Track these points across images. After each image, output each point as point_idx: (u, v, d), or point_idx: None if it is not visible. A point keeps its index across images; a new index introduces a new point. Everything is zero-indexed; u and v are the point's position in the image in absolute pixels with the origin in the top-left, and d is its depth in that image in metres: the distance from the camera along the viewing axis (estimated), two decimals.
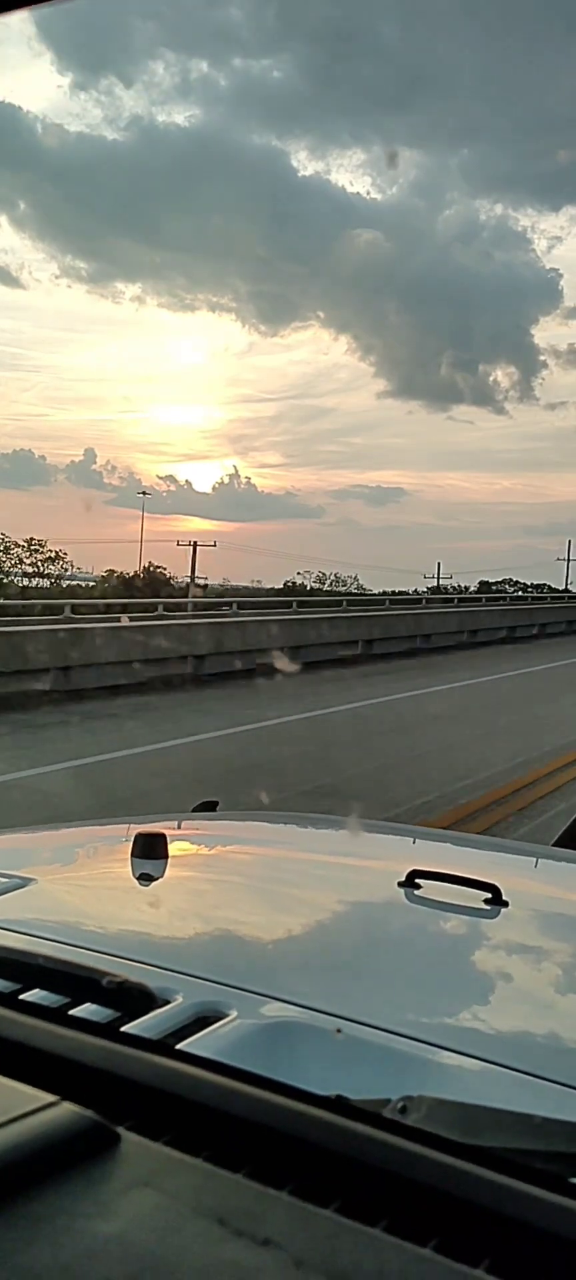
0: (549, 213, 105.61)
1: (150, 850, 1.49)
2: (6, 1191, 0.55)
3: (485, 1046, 0.99)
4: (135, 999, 0.84)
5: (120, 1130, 0.62)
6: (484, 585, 42.31)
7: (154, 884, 1.44)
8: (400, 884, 1.41)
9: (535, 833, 6.55)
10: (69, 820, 5.83)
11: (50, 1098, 0.63)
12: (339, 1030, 0.95)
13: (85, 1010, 0.87)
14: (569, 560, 46.12)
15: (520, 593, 38.90)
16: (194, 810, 2.15)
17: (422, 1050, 0.96)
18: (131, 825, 1.75)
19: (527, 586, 41.14)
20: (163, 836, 1.50)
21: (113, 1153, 0.60)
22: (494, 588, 41.58)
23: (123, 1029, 0.86)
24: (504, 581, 44.23)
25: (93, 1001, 0.85)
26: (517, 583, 43.20)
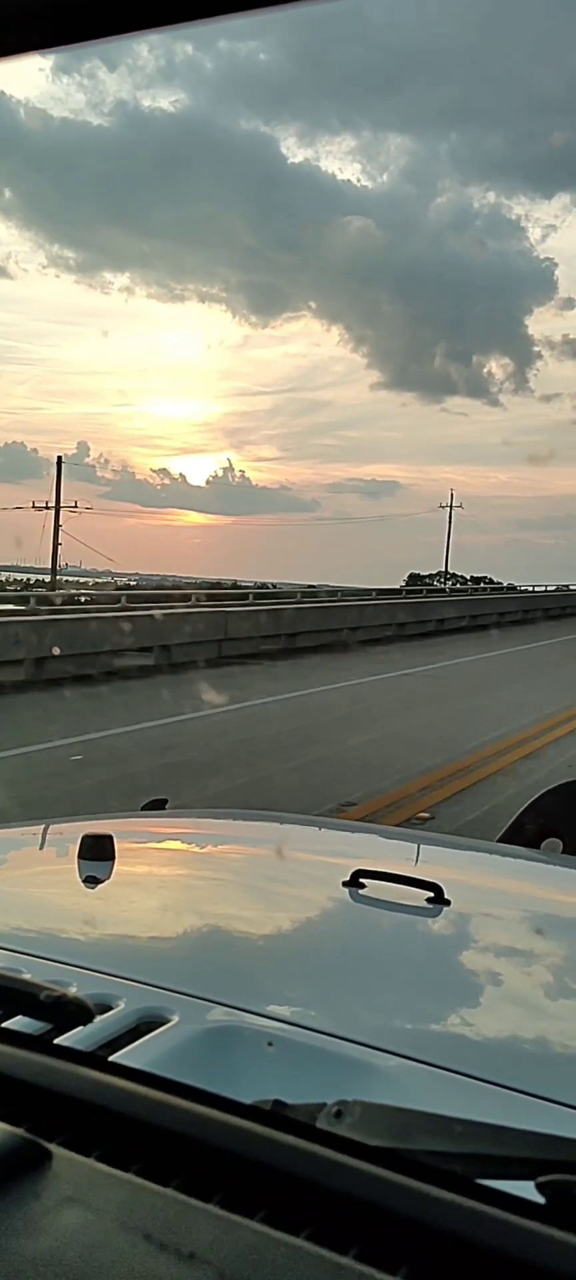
0: (542, 200, 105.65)
1: (97, 851, 1.49)
2: None
3: (422, 1048, 1.01)
4: (74, 1009, 0.84)
5: (52, 1147, 0.63)
6: (413, 578, 42.53)
7: (100, 886, 1.44)
8: (345, 883, 1.43)
9: None
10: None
11: None
12: (270, 1044, 0.96)
13: (20, 1022, 0.88)
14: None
15: (458, 585, 39.23)
16: (143, 808, 2.15)
17: (360, 1053, 0.97)
18: (80, 824, 1.75)
19: (466, 580, 41.37)
20: (109, 838, 1.51)
21: (43, 1170, 0.61)
22: (425, 580, 41.90)
23: (60, 1040, 0.87)
24: (439, 574, 44.65)
25: (30, 1012, 0.86)
26: (455, 575, 43.52)
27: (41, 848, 1.92)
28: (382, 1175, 0.60)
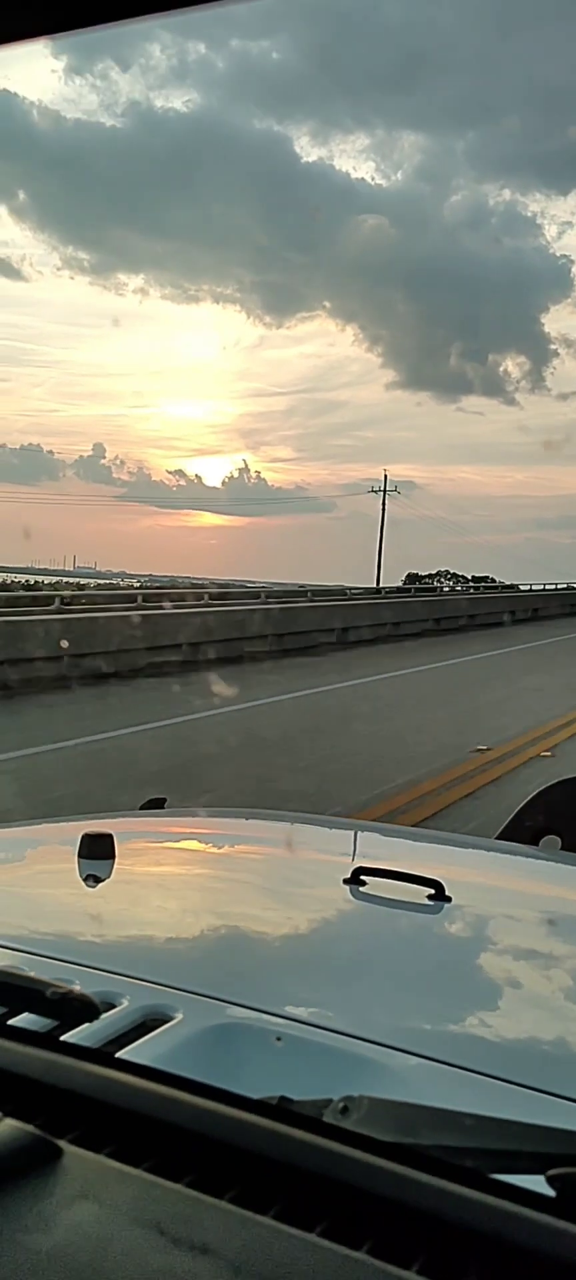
0: (558, 197, 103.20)
1: (97, 850, 1.49)
2: None
3: (426, 1044, 1.02)
4: (79, 1006, 0.84)
5: (62, 1144, 0.63)
6: (411, 578, 41.58)
7: (101, 885, 1.44)
8: (345, 880, 1.43)
9: None
10: None
11: None
12: (279, 1039, 0.96)
13: (27, 1020, 0.88)
14: None
15: (458, 586, 38.60)
16: (142, 808, 2.15)
17: (365, 1049, 0.98)
18: (79, 823, 1.75)
19: (467, 579, 40.49)
20: (109, 836, 1.50)
21: (54, 1166, 0.61)
22: (423, 580, 41.17)
23: (66, 1037, 0.87)
24: (439, 574, 43.59)
25: (35, 1009, 0.85)
26: (456, 575, 42.36)
27: (41, 847, 1.92)
28: (395, 1170, 0.60)
